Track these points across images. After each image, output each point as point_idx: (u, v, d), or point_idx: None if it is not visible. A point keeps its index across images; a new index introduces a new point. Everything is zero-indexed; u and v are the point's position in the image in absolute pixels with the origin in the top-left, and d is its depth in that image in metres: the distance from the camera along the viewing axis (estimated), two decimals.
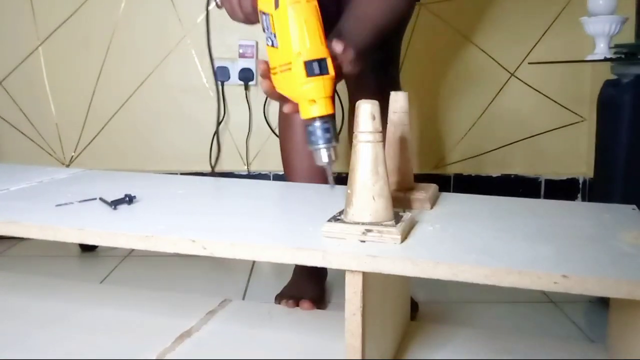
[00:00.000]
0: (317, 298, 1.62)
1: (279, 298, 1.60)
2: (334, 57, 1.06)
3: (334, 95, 1.06)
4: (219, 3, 1.29)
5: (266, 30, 1.06)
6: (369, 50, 1.27)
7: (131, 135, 2.66)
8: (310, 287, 1.66)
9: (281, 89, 1.07)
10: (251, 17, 1.22)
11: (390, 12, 1.36)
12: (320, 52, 1.02)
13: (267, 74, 1.08)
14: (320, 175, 1.51)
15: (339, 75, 1.09)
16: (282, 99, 1.08)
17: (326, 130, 1.02)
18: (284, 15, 1.01)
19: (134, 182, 1.28)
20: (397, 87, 1.72)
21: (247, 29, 2.52)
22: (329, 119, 1.02)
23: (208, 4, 1.33)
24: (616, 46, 1.78)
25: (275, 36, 1.04)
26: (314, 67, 1.01)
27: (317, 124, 1.01)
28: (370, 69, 1.57)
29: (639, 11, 1.77)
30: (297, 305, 1.51)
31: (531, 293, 1.67)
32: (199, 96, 2.63)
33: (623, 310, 0.94)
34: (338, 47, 1.07)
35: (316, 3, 1.03)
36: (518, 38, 2.60)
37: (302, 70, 1.00)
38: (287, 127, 1.70)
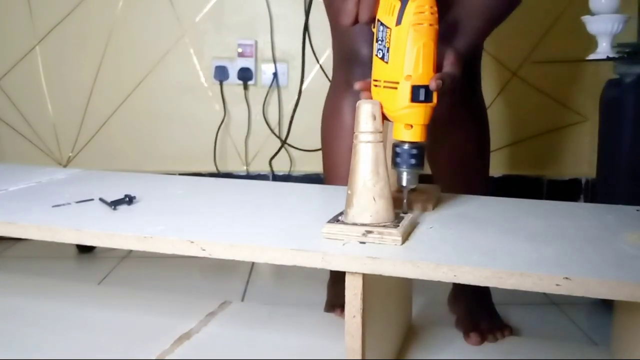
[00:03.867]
0: None
1: (332, 308, 1.53)
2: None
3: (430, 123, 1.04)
4: None
5: (379, 42, 1.05)
6: (475, 49, 1.24)
7: (129, 135, 2.66)
8: None
9: (380, 100, 1.03)
10: (364, 22, 1.12)
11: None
12: (429, 79, 1.01)
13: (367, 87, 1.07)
14: None
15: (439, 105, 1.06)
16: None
17: (413, 156, 1.01)
18: (404, 34, 0.99)
19: (134, 183, 1.28)
20: (478, 84, 1.60)
21: (246, 28, 2.53)
22: (420, 146, 1.02)
23: None
24: (619, 45, 1.78)
25: (388, 50, 1.03)
26: (420, 94, 1.00)
27: (406, 147, 1.01)
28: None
29: None
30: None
31: (533, 295, 1.67)
32: (197, 96, 2.63)
33: (628, 312, 0.94)
34: (436, 85, 1.01)
35: (438, 27, 1.01)
36: (520, 37, 2.60)
37: (407, 94, 0.99)
38: (337, 128, 1.59)
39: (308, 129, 2.54)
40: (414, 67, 0.99)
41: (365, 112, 0.87)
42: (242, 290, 1.74)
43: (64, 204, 1.09)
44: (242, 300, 1.77)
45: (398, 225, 0.87)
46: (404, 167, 1.01)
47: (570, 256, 0.82)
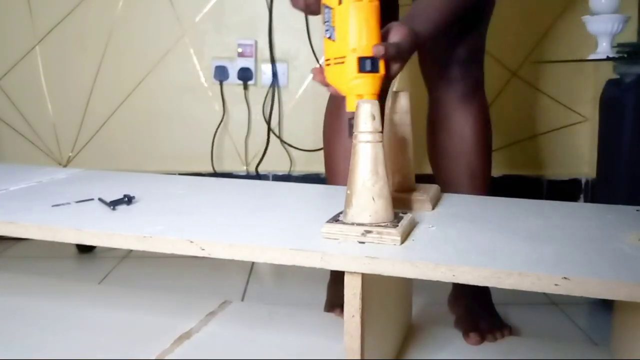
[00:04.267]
0: None
1: (332, 308, 1.54)
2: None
3: (380, 94, 1.10)
4: None
5: (326, 24, 1.12)
6: (438, 30, 1.27)
7: (129, 135, 2.66)
8: None
9: (331, 81, 1.13)
10: (313, 7, 1.23)
11: None
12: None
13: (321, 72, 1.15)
14: None
15: (387, 75, 1.12)
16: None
17: None
18: (345, 11, 1.07)
19: (134, 182, 1.28)
20: (480, 88, 1.64)
21: (245, 28, 2.53)
22: None
23: None
24: (619, 45, 1.78)
25: (334, 30, 1.10)
26: (366, 64, 1.07)
27: None
28: (456, 61, 1.56)
29: None
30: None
31: (532, 294, 1.67)
32: (197, 96, 2.63)
33: (628, 312, 0.94)
34: (379, 51, 1.08)
35: (378, 3, 1.08)
36: (520, 37, 2.60)
37: (354, 66, 1.07)
38: (337, 134, 1.62)
39: (308, 129, 2.55)
40: (358, 39, 1.07)
41: (365, 112, 0.87)
42: (242, 290, 1.74)
43: (64, 204, 1.09)
44: (242, 300, 1.77)
45: (397, 225, 0.87)
46: None
47: (570, 256, 0.82)
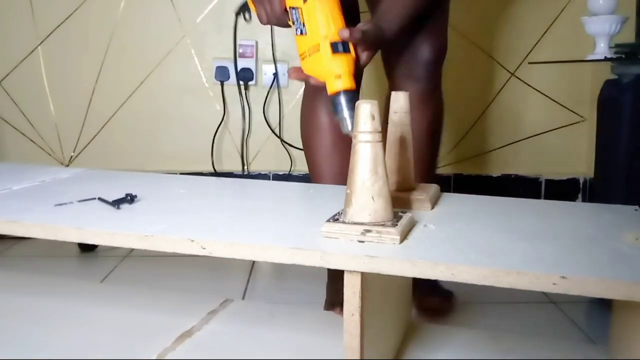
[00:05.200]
0: None
1: (332, 306, 1.58)
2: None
3: (356, 75, 1.22)
4: (247, 17, 1.42)
5: (296, 22, 1.26)
6: (403, 31, 1.38)
7: (130, 135, 2.66)
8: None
9: (310, 71, 1.25)
10: (280, 18, 1.33)
11: None
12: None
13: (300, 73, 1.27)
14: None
15: (358, 62, 1.24)
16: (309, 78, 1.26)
17: (350, 100, 1.19)
18: (312, 7, 1.22)
19: (136, 182, 1.28)
20: (439, 87, 1.73)
21: (246, 29, 2.53)
22: (354, 93, 1.20)
23: (237, 15, 1.47)
24: (616, 46, 1.78)
25: (304, 25, 1.24)
26: (338, 46, 1.20)
27: (342, 96, 1.19)
28: (421, 61, 1.64)
29: (639, 11, 1.77)
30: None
31: (531, 293, 1.67)
32: (198, 96, 2.63)
33: (626, 311, 0.94)
34: (344, 34, 1.21)
35: None
36: (518, 38, 2.61)
37: (328, 49, 1.20)
38: (314, 130, 1.67)
39: None
40: (327, 27, 1.21)
41: (364, 112, 0.87)
42: (243, 288, 1.74)
43: (66, 203, 1.09)
44: (243, 298, 1.78)
45: (396, 224, 0.87)
46: (347, 113, 1.20)
47: (568, 255, 0.82)
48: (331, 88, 1.21)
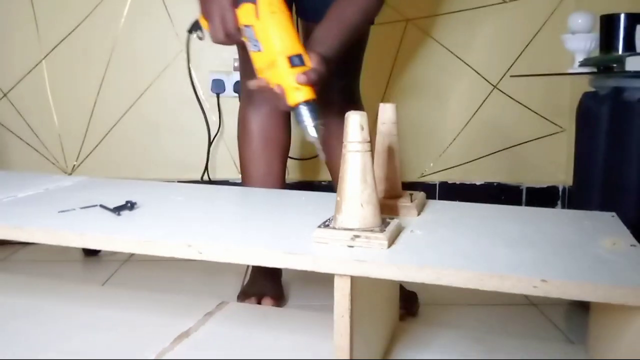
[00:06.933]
0: (277, 295, 1.67)
1: (243, 296, 1.64)
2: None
3: (315, 87, 1.23)
4: (200, 35, 1.43)
5: (250, 40, 1.26)
6: (340, 52, 1.37)
7: (130, 144, 2.66)
8: (269, 285, 1.70)
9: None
10: (234, 36, 1.32)
11: (362, 13, 1.43)
12: (298, 49, 1.22)
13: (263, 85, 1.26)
14: (273, 182, 1.70)
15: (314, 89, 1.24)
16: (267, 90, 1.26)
17: (312, 110, 1.19)
18: (265, 23, 1.22)
19: (135, 190, 1.28)
20: (358, 102, 1.75)
21: None
22: (314, 103, 1.20)
23: (190, 33, 1.45)
24: (584, 60, 1.80)
25: (258, 42, 1.24)
26: (294, 60, 1.21)
27: (303, 106, 1.20)
28: (335, 86, 1.62)
29: (603, 29, 1.79)
30: (260, 302, 1.59)
31: (513, 296, 1.67)
32: (195, 108, 2.63)
33: (603, 313, 0.94)
34: (301, 79, 1.21)
35: (289, 13, 1.25)
36: (500, 52, 2.62)
37: (286, 63, 1.20)
38: (245, 135, 1.73)
39: (301, 139, 2.54)
40: (282, 42, 1.21)
41: (354, 123, 0.87)
42: (238, 291, 1.74)
43: (69, 210, 1.09)
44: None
45: (384, 230, 0.87)
46: (309, 121, 1.20)
47: (548, 260, 0.82)
48: (292, 100, 1.21)
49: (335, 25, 1.38)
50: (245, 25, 1.26)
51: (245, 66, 1.64)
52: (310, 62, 1.23)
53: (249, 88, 1.30)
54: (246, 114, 1.73)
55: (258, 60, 1.26)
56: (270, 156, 1.72)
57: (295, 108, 1.21)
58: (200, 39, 1.43)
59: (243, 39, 1.29)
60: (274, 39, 1.21)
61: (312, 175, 2.67)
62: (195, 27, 1.42)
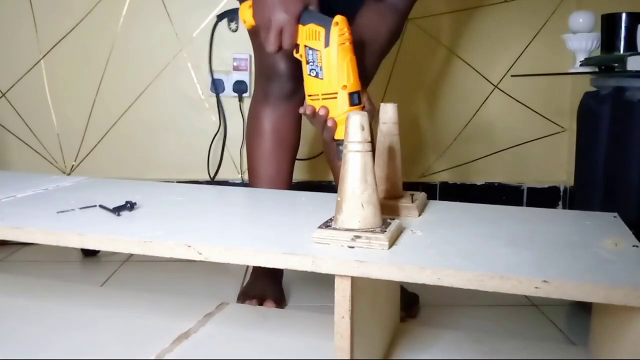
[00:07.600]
0: (278, 298, 1.66)
1: (243, 297, 1.63)
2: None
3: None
4: (234, 27, 1.39)
5: (311, 63, 1.24)
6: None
7: (129, 145, 2.66)
8: (270, 287, 1.68)
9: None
10: (287, 51, 1.31)
11: (392, 36, 1.48)
12: (358, 85, 1.23)
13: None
14: (280, 184, 1.69)
15: None
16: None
17: None
18: (333, 54, 1.20)
19: (135, 190, 1.28)
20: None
21: (240, 43, 2.53)
22: None
23: (219, 20, 1.43)
24: (585, 59, 1.80)
25: (321, 69, 1.23)
26: (355, 98, 1.22)
27: None
28: None
29: (604, 29, 1.79)
30: (261, 304, 1.58)
31: (514, 297, 1.67)
32: (194, 107, 2.63)
33: (605, 314, 0.94)
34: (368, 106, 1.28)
35: (353, 44, 1.23)
36: (501, 52, 2.62)
37: (346, 100, 1.22)
38: (257, 134, 1.70)
39: (302, 140, 2.55)
40: (347, 78, 1.21)
41: (355, 123, 0.87)
42: (238, 291, 1.74)
43: (68, 210, 1.09)
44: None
45: (385, 231, 0.87)
46: None
47: (549, 260, 0.82)
48: (340, 134, 1.24)
49: (374, 54, 1.44)
50: (309, 47, 1.24)
51: (262, 65, 1.64)
52: (365, 100, 1.27)
53: (299, 112, 1.30)
54: (259, 112, 1.69)
55: (313, 86, 1.25)
56: (281, 157, 1.70)
57: (342, 142, 1.22)
58: (234, 31, 1.41)
59: (297, 56, 1.27)
60: (341, 73, 1.21)
61: (312, 175, 2.67)
62: (231, 17, 1.38)
